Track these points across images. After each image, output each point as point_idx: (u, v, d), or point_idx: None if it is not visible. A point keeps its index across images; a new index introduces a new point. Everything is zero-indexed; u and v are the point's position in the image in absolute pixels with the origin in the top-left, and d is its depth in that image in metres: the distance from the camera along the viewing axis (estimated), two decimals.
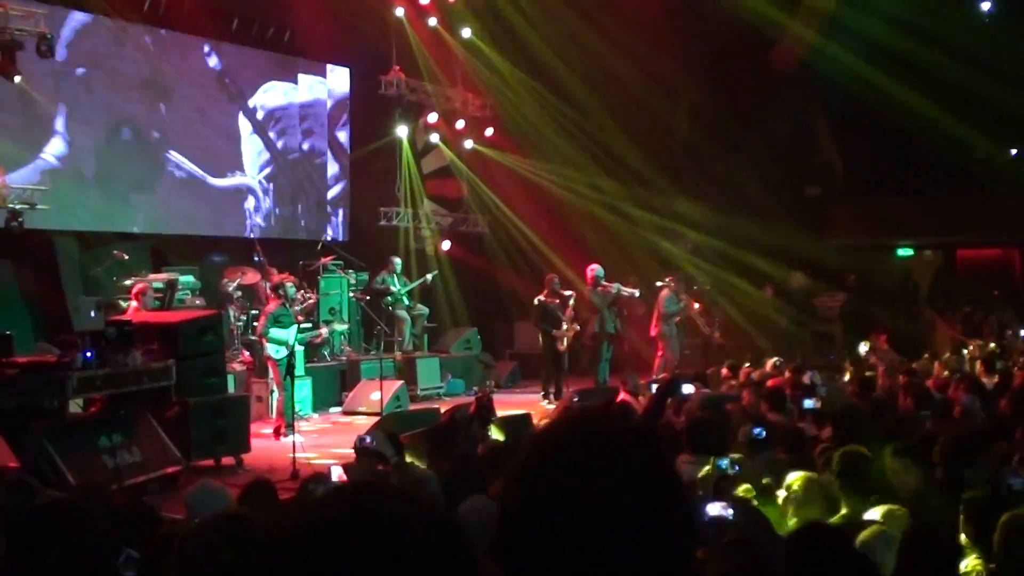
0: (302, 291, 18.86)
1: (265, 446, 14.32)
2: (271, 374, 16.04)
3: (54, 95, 17.53)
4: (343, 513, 1.74)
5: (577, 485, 1.85)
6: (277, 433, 15.02)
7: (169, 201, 19.55)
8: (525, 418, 13.88)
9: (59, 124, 17.69)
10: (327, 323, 18.47)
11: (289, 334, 15.41)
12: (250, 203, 21.21)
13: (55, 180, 17.34)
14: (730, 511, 5.64)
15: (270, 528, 2.50)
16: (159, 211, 19.42)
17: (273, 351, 15.50)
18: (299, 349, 15.86)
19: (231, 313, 17.92)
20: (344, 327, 19.40)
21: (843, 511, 6.72)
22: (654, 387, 13.56)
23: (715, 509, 5.58)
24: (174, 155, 19.63)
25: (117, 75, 18.65)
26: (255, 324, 18.19)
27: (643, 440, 1.96)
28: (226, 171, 20.66)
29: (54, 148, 17.62)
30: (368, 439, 9.65)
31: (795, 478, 7.00)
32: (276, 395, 15.78)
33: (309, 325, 17.11)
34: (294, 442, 12.75)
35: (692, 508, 1.99)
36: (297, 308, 18.16)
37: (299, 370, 16.16)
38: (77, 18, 17.89)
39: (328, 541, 1.70)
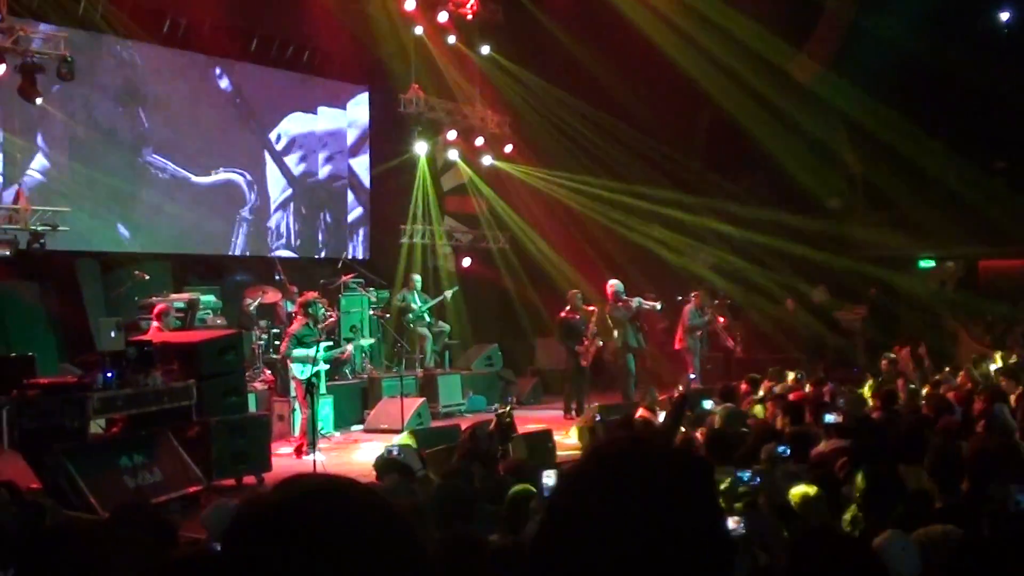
0: (325, 311, 18.88)
1: (287, 465, 14.31)
2: (294, 392, 16.06)
3: (71, 117, 17.63)
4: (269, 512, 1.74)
5: (626, 507, 1.85)
6: (299, 452, 15.01)
7: (190, 221, 19.62)
8: (546, 434, 13.87)
9: (78, 146, 17.76)
10: (350, 340, 18.45)
11: (314, 354, 15.37)
12: (271, 223, 21.30)
13: (75, 201, 17.42)
14: (742, 526, 5.65)
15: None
16: (179, 231, 19.50)
17: (297, 371, 15.48)
18: (323, 368, 15.87)
19: (252, 332, 17.96)
20: (370, 342, 19.39)
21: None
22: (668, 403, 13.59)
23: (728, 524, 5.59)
24: (195, 176, 19.72)
25: (137, 97, 18.77)
26: (276, 343, 18.24)
27: (694, 465, 1.98)
28: (248, 191, 20.74)
29: (73, 170, 17.69)
30: (396, 451, 9.66)
31: (796, 491, 7.00)
32: (299, 414, 15.77)
33: (331, 343, 17.11)
34: (315, 460, 12.74)
35: (728, 531, 1.99)
36: (319, 327, 18.19)
37: (321, 388, 16.19)
38: (94, 40, 17.97)
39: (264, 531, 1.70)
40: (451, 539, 5.29)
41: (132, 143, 18.84)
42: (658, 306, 20.37)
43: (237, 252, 20.57)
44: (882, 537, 5.28)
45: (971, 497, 6.92)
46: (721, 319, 21.51)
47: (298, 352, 15.45)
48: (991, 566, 4.80)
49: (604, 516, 1.85)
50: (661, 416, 13.38)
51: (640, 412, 13.56)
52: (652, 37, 23.53)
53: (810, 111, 24.54)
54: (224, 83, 20.47)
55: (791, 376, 16.61)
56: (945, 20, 23.45)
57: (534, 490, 7.23)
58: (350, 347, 17.73)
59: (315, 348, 15.41)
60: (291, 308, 18.61)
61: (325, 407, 16.76)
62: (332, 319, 18.82)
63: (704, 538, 1.87)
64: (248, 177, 20.87)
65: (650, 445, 2.04)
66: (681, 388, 18.09)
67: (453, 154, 23.83)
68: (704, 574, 1.87)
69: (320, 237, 22.46)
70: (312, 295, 17.00)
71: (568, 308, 19.75)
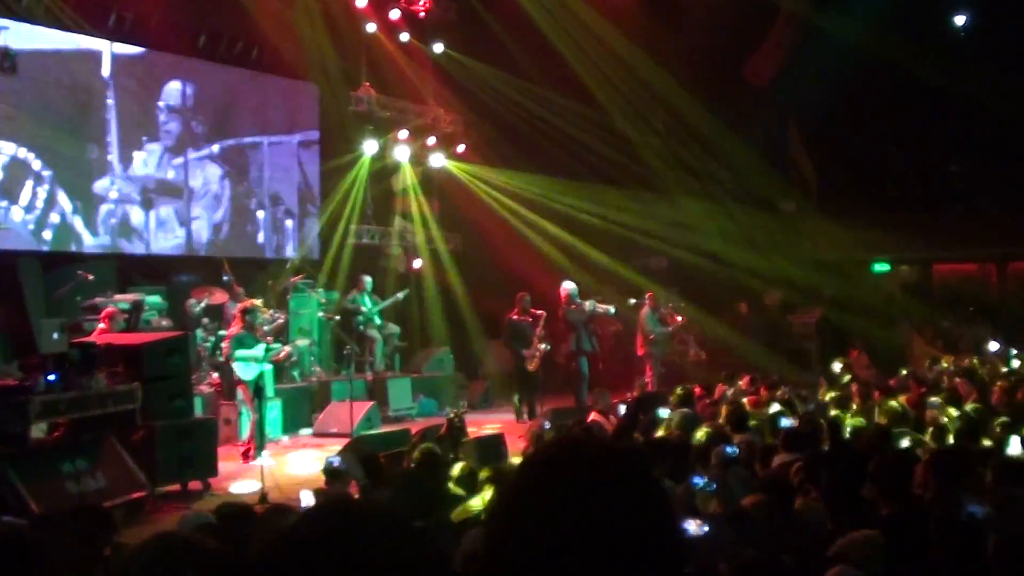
0: (270, 311, 18.81)
1: (234, 470, 14.24)
2: (240, 395, 15.97)
3: (19, 114, 17.44)
4: (319, 534, 1.76)
5: (566, 507, 1.86)
6: (246, 456, 14.95)
7: (135, 220, 19.46)
8: (498, 438, 13.86)
9: (16, 142, 17.56)
10: (291, 342, 18.39)
11: (256, 352, 15.31)
12: (219, 222, 21.14)
13: (16, 199, 17.26)
14: (705, 528, 5.67)
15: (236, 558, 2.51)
16: (124, 230, 19.31)
17: (242, 371, 15.38)
18: (268, 369, 15.80)
19: (198, 334, 17.84)
20: (307, 343, 19.29)
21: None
22: (622, 408, 13.62)
23: (691, 527, 5.63)
24: (141, 173, 19.55)
25: (79, 91, 18.58)
26: (223, 345, 18.14)
27: (632, 461, 1.97)
28: (195, 190, 20.59)
29: (12, 168, 17.49)
30: (337, 461, 9.64)
31: (746, 499, 7.04)
32: (247, 417, 15.68)
33: (277, 345, 17.03)
34: (262, 466, 12.67)
35: (681, 528, 1.99)
36: (266, 328, 18.10)
37: (269, 392, 16.13)
38: (38, 32, 17.77)
39: (305, 563, 1.71)
40: None
41: (77, 139, 18.62)
42: (611, 310, 20.43)
43: (184, 252, 20.39)
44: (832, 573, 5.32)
45: (919, 504, 6.98)
46: (678, 318, 21.57)
47: (241, 352, 15.34)
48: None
49: (545, 522, 1.86)
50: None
51: (593, 416, 13.56)
52: (605, 38, 23.62)
53: (763, 113, 24.69)
54: (172, 79, 20.29)
55: (744, 380, 16.68)
56: (901, 23, 23.63)
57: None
58: (288, 347, 17.59)
59: (260, 347, 15.34)
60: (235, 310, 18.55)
61: (273, 411, 16.73)
62: (281, 320, 18.74)
63: (650, 537, 1.88)
64: (196, 175, 20.71)
65: (586, 447, 2.03)
66: (636, 392, 18.18)
67: (404, 153, 23.73)
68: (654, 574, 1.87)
69: (268, 237, 22.30)
70: (252, 303, 16.93)
71: (516, 311, 19.76)
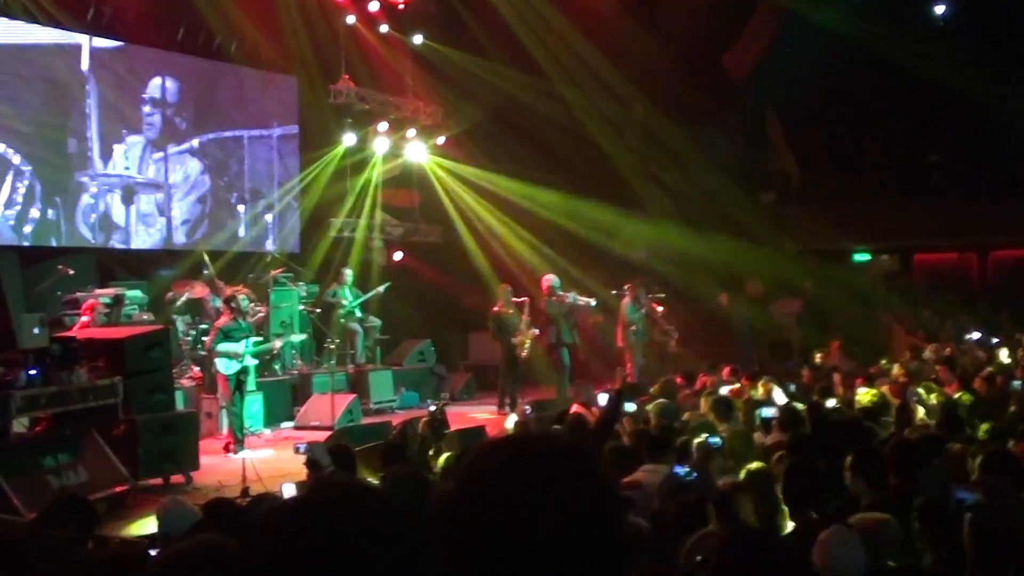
0: (252, 304, 18.81)
1: (215, 463, 14.25)
2: (220, 390, 15.99)
3: None
4: (313, 521, 1.78)
5: (507, 503, 1.89)
6: (227, 449, 14.98)
7: (113, 214, 19.45)
8: (479, 430, 13.91)
9: (3, 141, 17.56)
10: (279, 336, 18.36)
11: (240, 348, 15.33)
12: (199, 215, 21.14)
13: (7, 200, 17.29)
14: None
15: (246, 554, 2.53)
16: (104, 224, 19.30)
17: (223, 366, 15.35)
18: (251, 364, 15.80)
19: (179, 328, 17.85)
20: (301, 338, 19.30)
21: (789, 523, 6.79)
22: (603, 397, 13.66)
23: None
24: (118, 167, 19.54)
25: (59, 86, 18.57)
26: (204, 339, 18.15)
27: (576, 457, 1.99)
28: (173, 182, 20.58)
29: (0, 167, 17.48)
30: (302, 447, 9.70)
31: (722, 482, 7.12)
32: (226, 411, 15.70)
33: (261, 339, 17.03)
34: (243, 459, 12.69)
35: (621, 525, 2.01)
36: (248, 322, 18.11)
37: (250, 385, 16.15)
38: (14, 27, 17.74)
39: (306, 550, 1.74)
40: None
41: (57, 134, 18.62)
42: (592, 302, 20.43)
43: (163, 246, 20.39)
44: (826, 533, 5.39)
45: (899, 491, 7.07)
46: (659, 307, 21.60)
47: (224, 347, 15.37)
48: None
49: (482, 524, 1.90)
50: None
51: (574, 408, 13.62)
52: (580, 28, 23.68)
53: (743, 104, 24.76)
54: (153, 73, 20.28)
55: (726, 370, 16.76)
56: (880, 12, 23.73)
57: None
58: (278, 342, 17.60)
59: (244, 343, 15.36)
60: (218, 303, 18.53)
61: (255, 404, 16.74)
62: (262, 314, 18.74)
63: (593, 531, 1.90)
64: (176, 169, 20.71)
65: (523, 444, 2.06)
66: (617, 383, 18.22)
67: (384, 146, 23.72)
68: (592, 570, 1.90)
69: (248, 231, 22.28)
70: (235, 289, 16.93)
71: (499, 303, 19.83)
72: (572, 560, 1.87)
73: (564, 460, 1.98)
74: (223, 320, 15.81)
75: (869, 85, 23.85)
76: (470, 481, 1.98)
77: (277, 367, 19.06)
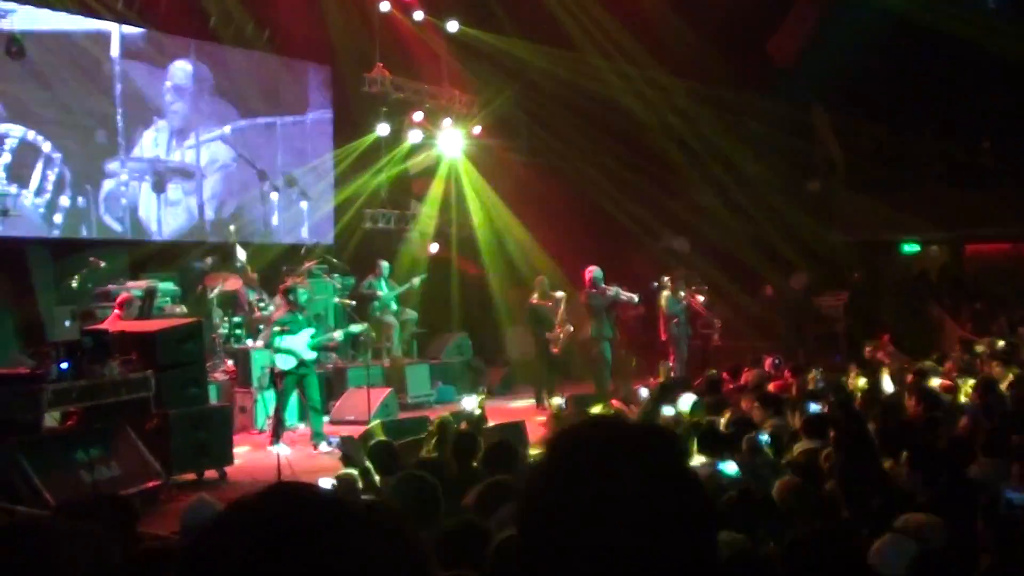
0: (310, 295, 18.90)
1: (249, 459, 14.30)
2: (256, 383, 16.03)
3: (28, 96, 17.53)
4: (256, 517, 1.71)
5: (596, 486, 1.88)
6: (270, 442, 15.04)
7: (144, 202, 19.53)
8: (518, 426, 13.89)
9: (25, 125, 17.63)
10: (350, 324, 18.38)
11: (298, 342, 15.36)
12: (232, 207, 21.18)
13: (26, 183, 17.38)
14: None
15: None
16: (134, 213, 19.37)
17: (281, 361, 15.37)
18: (310, 357, 15.70)
19: (213, 321, 17.90)
20: (362, 327, 19.27)
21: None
22: (644, 392, 13.62)
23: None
24: (148, 154, 19.62)
25: (88, 73, 18.64)
26: (238, 332, 18.21)
27: (661, 440, 2.00)
28: (206, 174, 20.65)
29: (22, 151, 17.57)
30: (336, 441, 9.69)
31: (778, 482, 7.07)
32: (268, 402, 15.67)
33: (326, 334, 16.94)
34: (278, 455, 12.70)
35: (712, 509, 2.00)
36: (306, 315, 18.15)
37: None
38: (44, 15, 17.83)
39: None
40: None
41: (86, 121, 18.70)
42: (635, 298, 20.31)
43: (195, 236, 20.45)
44: (883, 540, 5.33)
45: (952, 490, 6.98)
46: (700, 297, 21.50)
47: (281, 341, 15.35)
48: None
49: (578, 502, 1.87)
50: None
51: (614, 404, 13.59)
52: (625, 14, 23.58)
53: (788, 91, 24.57)
54: (182, 62, 20.36)
55: (768, 361, 16.68)
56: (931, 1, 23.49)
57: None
58: (338, 334, 17.51)
59: (306, 334, 15.32)
60: (252, 296, 18.58)
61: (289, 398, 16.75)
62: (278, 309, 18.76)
63: (684, 510, 1.89)
64: (207, 157, 20.78)
65: (612, 424, 2.07)
66: (660, 378, 18.18)
67: (419, 135, 23.71)
68: (688, 548, 1.88)
69: (283, 222, 22.31)
70: (293, 280, 16.95)
71: (536, 295, 19.78)
72: (667, 543, 1.86)
73: (653, 441, 1.98)
74: (279, 313, 15.80)
75: (918, 68, 23.58)
76: (562, 457, 1.98)
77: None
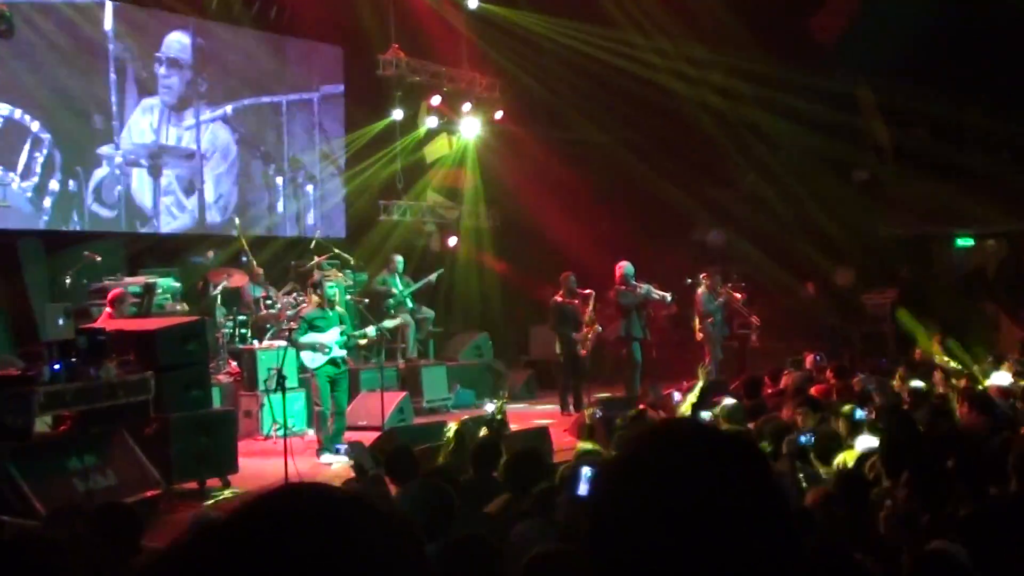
0: (294, 295, 18.90)
1: (255, 466, 14.28)
2: (261, 387, 16.04)
3: (15, 74, 17.55)
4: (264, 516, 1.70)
5: (672, 492, 1.89)
6: (318, 452, 15.09)
7: (139, 187, 19.53)
8: (543, 432, 13.86)
9: (12, 104, 17.66)
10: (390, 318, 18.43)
11: (328, 339, 15.36)
12: (236, 198, 21.19)
13: (13, 166, 17.41)
14: None
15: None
16: (129, 198, 19.37)
17: (309, 360, 15.38)
18: (340, 355, 15.70)
19: (216, 319, 17.91)
20: (395, 323, 19.26)
21: None
22: (676, 395, 13.57)
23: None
24: (145, 136, 19.60)
25: (80, 50, 18.65)
26: (243, 331, 18.21)
27: (743, 447, 2.02)
28: (204, 154, 20.65)
29: (7, 132, 17.60)
30: (344, 448, 9.69)
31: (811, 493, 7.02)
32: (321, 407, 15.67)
33: (358, 330, 16.98)
34: (286, 462, 12.67)
35: (792, 519, 2.02)
36: (289, 313, 18.15)
37: (291, 381, 16.10)
38: None
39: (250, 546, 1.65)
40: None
41: (77, 101, 18.70)
42: (668, 297, 20.22)
43: (195, 225, 20.46)
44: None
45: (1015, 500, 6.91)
46: (738, 295, 21.43)
47: (309, 338, 15.39)
48: None
49: (646, 513, 1.89)
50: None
51: (641, 408, 13.52)
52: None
53: (833, 72, 24.42)
54: (178, 33, 20.34)
55: (809, 359, 16.60)
56: None
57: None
58: (371, 329, 17.48)
59: (335, 331, 15.34)
60: (259, 292, 18.59)
61: (297, 402, 16.74)
62: (306, 306, 18.76)
63: (769, 518, 1.91)
64: (209, 148, 20.79)
65: (690, 427, 2.12)
66: (701, 381, 18.12)
67: (436, 121, 23.71)
68: (774, 556, 1.89)
69: (290, 214, 22.33)
70: (323, 274, 16.97)
71: (561, 292, 19.69)
72: (748, 554, 1.87)
73: (732, 442, 2.00)
74: (308, 308, 15.80)
75: (973, 48, 23.39)
76: (635, 463, 1.99)
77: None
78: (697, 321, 20.58)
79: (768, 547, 1.88)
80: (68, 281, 16.83)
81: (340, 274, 19.76)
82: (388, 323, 18.38)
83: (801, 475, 8.77)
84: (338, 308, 16.02)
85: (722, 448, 1.97)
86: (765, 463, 2.03)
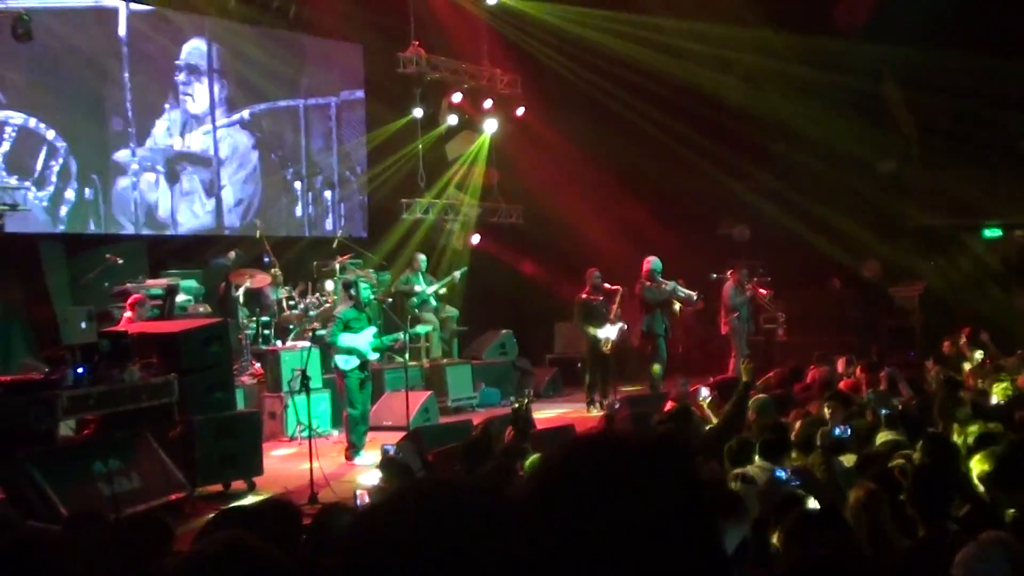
0: (317, 295, 18.93)
1: (280, 468, 14.28)
2: (285, 388, 16.03)
3: (31, 82, 17.60)
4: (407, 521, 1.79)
5: (592, 498, 1.91)
6: (346, 455, 15.11)
7: (157, 193, 19.57)
8: (568, 429, 13.83)
9: (27, 112, 17.72)
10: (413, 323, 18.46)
11: (361, 341, 15.37)
12: (258, 199, 21.23)
13: (28, 174, 17.47)
14: None
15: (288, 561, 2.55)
16: (147, 205, 19.42)
17: (342, 361, 15.36)
18: (374, 357, 15.81)
19: (239, 321, 17.93)
20: (427, 329, 19.27)
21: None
22: (704, 391, 13.50)
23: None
24: (161, 142, 19.66)
25: (95, 56, 18.72)
26: (266, 332, 18.22)
27: (663, 452, 2.01)
28: (222, 159, 20.68)
29: (23, 140, 17.65)
30: (392, 450, 9.65)
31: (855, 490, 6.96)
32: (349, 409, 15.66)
33: (393, 335, 16.98)
34: (311, 465, 12.66)
35: (715, 525, 2.03)
36: (312, 313, 18.17)
37: (315, 382, 16.07)
38: None
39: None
40: None
41: (93, 107, 18.76)
42: (694, 296, 20.16)
43: (214, 229, 20.49)
44: (967, 549, 5.21)
45: None
46: (763, 291, 21.38)
47: (344, 340, 15.36)
48: None
49: (568, 519, 1.91)
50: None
51: (670, 406, 13.48)
52: None
53: (857, 61, 24.29)
54: (196, 40, 20.39)
55: (841, 361, 16.51)
56: None
57: None
58: (403, 335, 17.50)
59: (369, 332, 15.37)
60: (280, 294, 18.60)
61: (321, 403, 16.73)
62: (329, 304, 18.79)
63: (678, 531, 1.92)
64: (224, 143, 20.82)
65: (612, 440, 2.10)
66: (734, 374, 18.06)
67: (458, 118, 23.72)
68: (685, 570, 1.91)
69: (310, 215, 22.37)
70: (356, 273, 16.97)
71: (587, 289, 19.64)
72: (665, 559, 1.89)
73: (655, 461, 2.00)
74: (341, 308, 15.79)
75: (1001, 35, 23.22)
76: (551, 481, 2.01)
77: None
78: (723, 315, 20.54)
79: (688, 556, 1.90)
80: (90, 284, 16.87)
81: (372, 275, 19.78)
82: (420, 329, 18.43)
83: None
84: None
85: (642, 461, 1.97)
86: (688, 471, 2.02)
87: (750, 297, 20.73)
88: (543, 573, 1.90)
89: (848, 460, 8.99)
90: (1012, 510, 6.44)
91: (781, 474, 7.87)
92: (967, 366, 16.11)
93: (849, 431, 9.35)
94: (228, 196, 20.83)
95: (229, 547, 2.47)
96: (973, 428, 9.28)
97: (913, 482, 6.75)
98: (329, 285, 19.28)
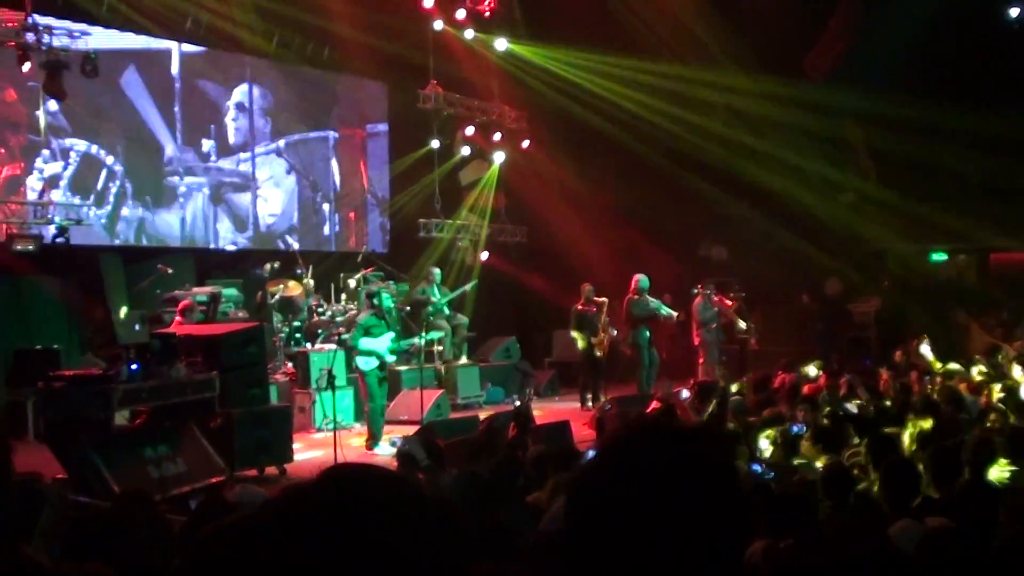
0: (341, 303, 18.96)
1: (309, 457, 14.28)
2: (313, 385, 16.01)
3: (93, 113, 17.69)
4: (325, 497, 1.72)
5: (640, 484, 1.88)
6: (367, 446, 15.07)
7: (203, 217, 19.65)
8: (564, 426, 13.82)
9: (89, 139, 17.83)
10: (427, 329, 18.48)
11: (381, 345, 15.36)
12: (293, 218, 21.33)
13: (88, 195, 17.54)
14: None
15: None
16: (201, 227, 19.52)
17: (362, 363, 15.39)
18: (391, 359, 15.83)
19: (274, 325, 17.96)
20: (439, 334, 19.29)
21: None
22: (684, 394, 13.50)
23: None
24: (217, 171, 19.78)
25: (151, 90, 18.80)
26: (298, 336, 18.23)
27: (705, 440, 2.01)
28: (260, 182, 20.78)
29: (85, 164, 17.72)
30: (400, 442, 9.67)
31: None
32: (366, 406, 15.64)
33: (408, 340, 16.96)
34: (335, 455, 12.66)
35: (749, 508, 2.01)
36: (339, 319, 18.18)
37: (340, 380, 16.09)
38: (114, 35, 17.96)
39: (310, 526, 1.68)
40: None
41: (156, 140, 18.88)
42: (675, 316, 20.20)
43: (252, 245, 20.59)
44: (897, 527, 5.23)
45: (968, 488, 6.82)
46: (729, 302, 21.35)
47: (365, 343, 15.36)
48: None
49: (625, 502, 1.87)
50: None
51: (654, 405, 13.46)
52: (664, 34, 23.47)
53: (824, 104, 24.34)
54: (239, 77, 20.50)
55: (813, 367, 16.49)
56: (955, 16, 23.24)
57: None
58: (416, 341, 17.45)
59: (387, 338, 15.39)
60: (310, 302, 18.62)
61: (345, 398, 16.72)
62: (353, 312, 18.80)
63: (726, 512, 1.90)
64: (262, 169, 20.91)
65: (663, 427, 2.09)
66: (700, 377, 18.10)
67: (470, 149, 23.80)
68: (726, 545, 1.90)
69: (339, 231, 22.45)
70: (380, 284, 16.99)
71: (581, 301, 19.74)
72: (704, 540, 1.87)
73: (699, 448, 1.98)
74: (364, 315, 15.80)
75: (951, 79, 23.30)
76: (607, 462, 1.98)
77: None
78: (694, 326, 20.53)
79: (724, 539, 1.89)
80: (143, 291, 16.93)
81: (392, 286, 19.80)
82: (434, 334, 18.44)
83: (796, 463, 8.71)
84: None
85: (687, 447, 1.96)
86: (727, 458, 2.03)
87: (718, 311, 20.70)
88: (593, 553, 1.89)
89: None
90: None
91: (757, 468, 7.88)
92: (914, 373, 16.09)
93: (805, 428, 9.35)
94: (265, 216, 20.90)
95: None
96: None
97: (883, 476, 6.76)
98: (352, 292, 19.34)
